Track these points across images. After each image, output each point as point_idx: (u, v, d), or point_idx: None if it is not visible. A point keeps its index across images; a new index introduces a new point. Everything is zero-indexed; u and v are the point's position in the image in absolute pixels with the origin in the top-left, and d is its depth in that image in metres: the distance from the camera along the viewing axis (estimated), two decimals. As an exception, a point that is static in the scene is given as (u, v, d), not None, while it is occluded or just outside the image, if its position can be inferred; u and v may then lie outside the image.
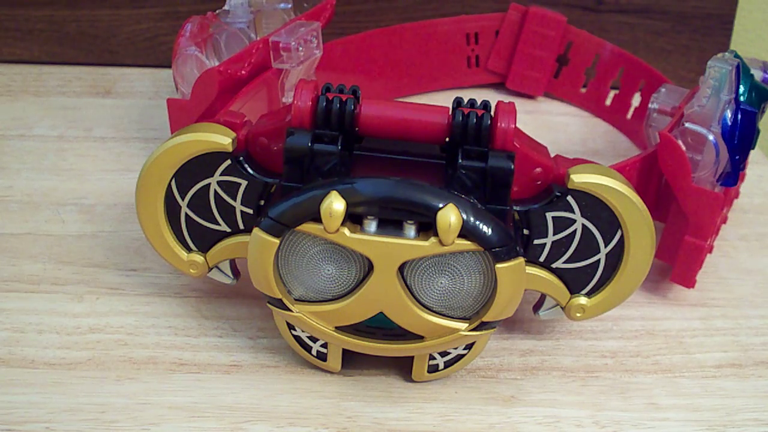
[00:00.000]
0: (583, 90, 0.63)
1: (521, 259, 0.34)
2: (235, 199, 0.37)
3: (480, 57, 0.63)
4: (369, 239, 0.34)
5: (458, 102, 0.35)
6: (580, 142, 0.59)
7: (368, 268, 0.35)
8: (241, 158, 0.37)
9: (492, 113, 0.35)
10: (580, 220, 0.36)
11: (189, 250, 0.39)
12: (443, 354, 0.38)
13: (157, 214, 0.38)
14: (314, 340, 0.38)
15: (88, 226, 0.47)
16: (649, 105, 0.50)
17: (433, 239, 0.33)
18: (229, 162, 0.36)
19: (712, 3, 0.65)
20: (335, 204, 0.33)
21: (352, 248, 0.34)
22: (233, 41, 0.51)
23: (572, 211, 0.36)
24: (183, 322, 0.41)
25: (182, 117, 0.47)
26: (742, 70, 0.43)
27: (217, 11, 0.52)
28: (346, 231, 0.33)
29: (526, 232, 0.37)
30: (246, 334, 0.40)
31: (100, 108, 0.59)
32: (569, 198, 0.36)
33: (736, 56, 0.44)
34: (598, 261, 0.37)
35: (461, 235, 0.33)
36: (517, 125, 0.35)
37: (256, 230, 0.34)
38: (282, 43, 0.48)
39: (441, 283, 0.35)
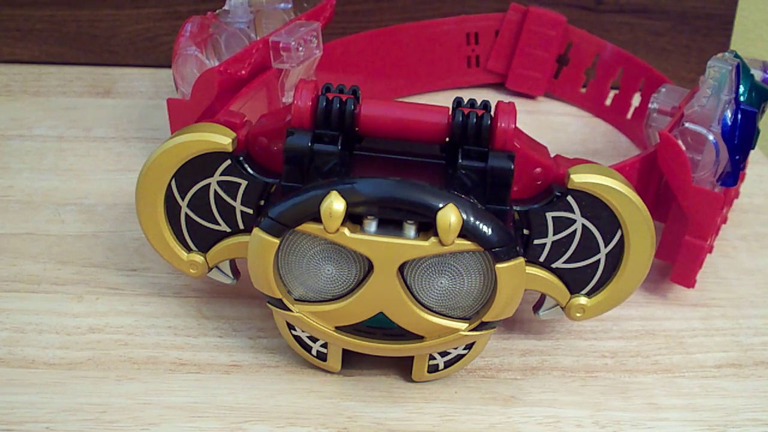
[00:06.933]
0: (583, 90, 0.63)
1: (521, 259, 0.34)
2: (235, 199, 0.37)
3: (480, 57, 0.63)
4: (369, 239, 0.34)
5: (458, 102, 0.35)
6: (580, 142, 0.59)
7: (368, 268, 0.35)
8: (241, 158, 0.37)
9: (492, 113, 0.35)
10: (580, 220, 0.36)
11: (189, 250, 0.39)
12: (443, 354, 0.38)
13: (157, 214, 0.38)
14: (314, 340, 0.38)
15: (88, 226, 0.47)
16: (649, 105, 0.50)
17: (433, 239, 0.33)
18: (229, 162, 0.36)
19: (712, 3, 0.65)
20: (335, 204, 0.33)
21: (352, 248, 0.34)
22: (233, 41, 0.51)
23: (572, 211, 0.36)
24: (183, 322, 0.41)
25: (182, 117, 0.47)
26: (742, 70, 0.43)
27: (217, 11, 0.52)
28: (346, 231, 0.33)
29: (526, 232, 0.37)
30: (246, 334, 0.40)
31: (100, 108, 0.59)
32: (569, 198, 0.36)
33: (736, 56, 0.44)
34: (598, 261, 0.37)
35: (461, 235, 0.33)
36: (517, 125, 0.35)
37: (256, 230, 0.34)
38: (282, 43, 0.48)
39: (441, 283, 0.35)
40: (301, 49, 0.48)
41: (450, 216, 0.33)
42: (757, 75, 0.46)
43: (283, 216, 0.34)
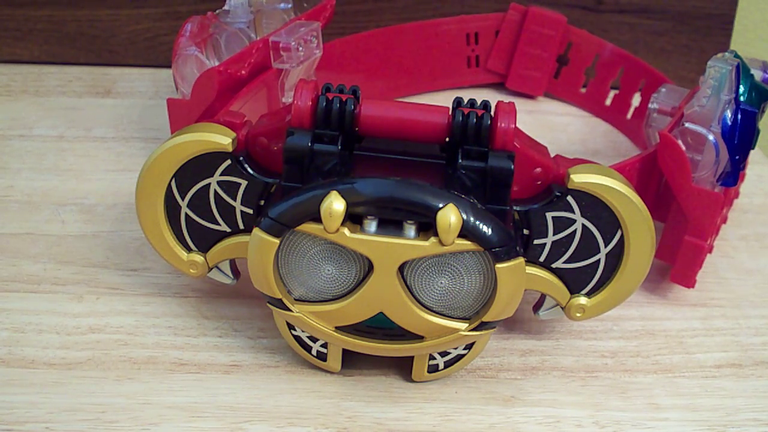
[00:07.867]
0: (583, 90, 0.63)
1: (521, 259, 0.34)
2: (235, 199, 0.37)
3: (480, 57, 0.63)
4: (369, 239, 0.34)
5: (458, 102, 0.35)
6: (580, 142, 0.59)
7: (368, 268, 0.35)
8: (241, 158, 0.37)
9: (492, 113, 0.35)
10: (580, 220, 0.36)
11: (189, 250, 0.39)
12: (443, 354, 0.38)
13: (157, 214, 0.38)
14: (314, 340, 0.38)
15: (88, 226, 0.47)
16: (649, 105, 0.50)
17: (433, 239, 0.33)
18: (229, 162, 0.36)
19: (712, 3, 0.65)
20: (335, 204, 0.33)
21: (352, 248, 0.34)
22: (233, 41, 0.51)
23: (572, 211, 0.36)
24: (183, 322, 0.41)
25: (182, 117, 0.47)
26: (742, 70, 0.43)
27: (217, 11, 0.52)
28: (346, 231, 0.33)
29: (526, 232, 0.37)
30: (246, 334, 0.40)
31: (100, 108, 0.59)
32: (569, 198, 0.36)
33: (736, 56, 0.44)
34: (598, 261, 0.37)
35: (461, 235, 0.33)
36: (517, 125, 0.35)
37: (256, 230, 0.34)
38: (282, 43, 0.48)
39: (441, 283, 0.35)
40: (301, 49, 0.48)
41: (450, 216, 0.33)
42: (757, 75, 0.46)
43: (283, 216, 0.34)
